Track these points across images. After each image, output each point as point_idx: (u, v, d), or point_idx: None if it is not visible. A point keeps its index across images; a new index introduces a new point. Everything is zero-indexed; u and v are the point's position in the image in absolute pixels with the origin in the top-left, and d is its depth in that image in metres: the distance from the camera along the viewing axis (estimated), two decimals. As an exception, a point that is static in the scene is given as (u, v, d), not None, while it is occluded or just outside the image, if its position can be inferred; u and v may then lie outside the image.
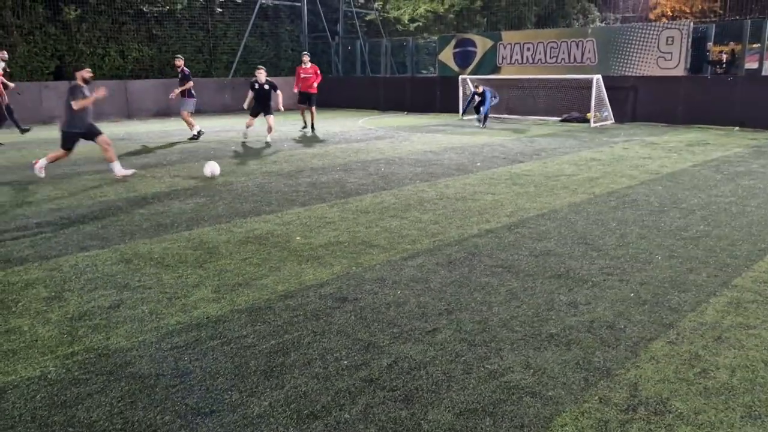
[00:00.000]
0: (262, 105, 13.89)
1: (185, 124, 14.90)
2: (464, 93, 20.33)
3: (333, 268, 5.10)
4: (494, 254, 5.43)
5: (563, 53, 19.21)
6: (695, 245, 5.62)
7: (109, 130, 16.98)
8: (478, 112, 17.44)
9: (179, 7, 23.00)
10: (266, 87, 13.75)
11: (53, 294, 4.55)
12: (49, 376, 3.30)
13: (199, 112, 22.14)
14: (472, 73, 21.03)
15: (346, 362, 3.44)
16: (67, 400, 3.06)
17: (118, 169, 9.38)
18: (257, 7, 24.33)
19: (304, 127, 16.90)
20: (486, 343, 3.66)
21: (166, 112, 22.04)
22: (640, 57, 17.60)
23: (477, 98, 17.26)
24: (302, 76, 16.29)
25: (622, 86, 17.72)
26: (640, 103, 17.62)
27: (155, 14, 22.59)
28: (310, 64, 16.40)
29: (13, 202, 7.87)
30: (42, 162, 9.36)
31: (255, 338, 3.76)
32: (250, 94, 13.92)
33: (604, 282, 4.68)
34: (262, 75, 13.72)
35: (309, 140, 14.45)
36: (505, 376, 3.25)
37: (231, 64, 24.33)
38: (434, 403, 3.00)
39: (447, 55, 22.19)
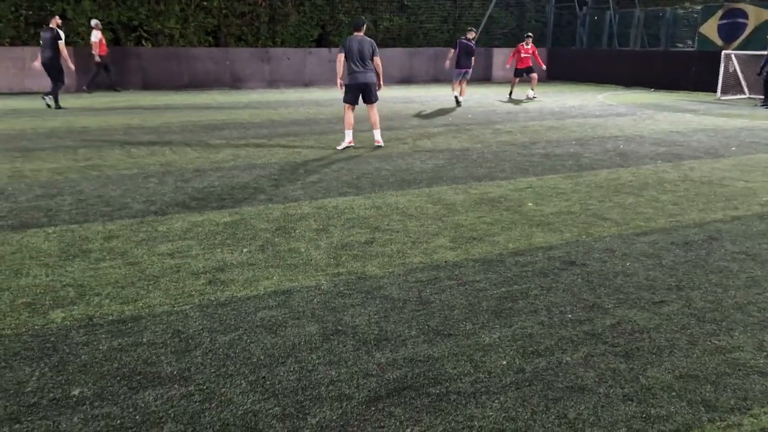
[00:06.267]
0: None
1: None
2: (726, 71, 18.31)
3: (563, 234, 5.31)
4: (738, 241, 5.16)
5: None
6: None
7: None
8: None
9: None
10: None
11: (321, 227, 5.47)
12: (321, 287, 4.10)
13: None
14: (739, 48, 18.83)
15: (570, 316, 3.70)
16: (335, 307, 3.80)
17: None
18: (505, -23, 24.44)
19: (510, 94, 18.12)
20: (716, 321, 3.64)
21: (408, 78, 23.44)
22: None
23: None
24: (522, 55, 17.40)
25: None
26: None
27: (408, -16, 23.94)
28: (531, 45, 17.49)
29: (285, 154, 9.31)
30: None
31: (486, 284, 4.19)
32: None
33: None
34: None
35: (544, 113, 14.41)
36: (733, 353, 3.25)
37: (473, 34, 24.88)
38: (654, 363, 3.15)
39: (710, 28, 20.13)
